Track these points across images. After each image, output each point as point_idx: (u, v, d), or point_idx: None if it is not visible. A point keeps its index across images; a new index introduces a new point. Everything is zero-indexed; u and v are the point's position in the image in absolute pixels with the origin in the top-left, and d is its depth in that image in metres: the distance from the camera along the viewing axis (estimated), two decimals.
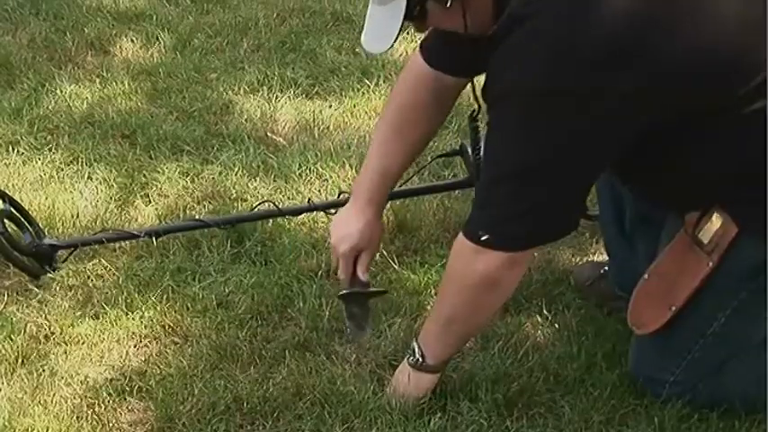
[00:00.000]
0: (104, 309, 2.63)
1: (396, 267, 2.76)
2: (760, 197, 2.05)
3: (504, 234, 2.07)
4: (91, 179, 3.21)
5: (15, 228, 2.81)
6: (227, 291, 2.69)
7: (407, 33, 3.97)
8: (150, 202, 3.12)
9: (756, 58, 1.99)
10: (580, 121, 1.95)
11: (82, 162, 3.29)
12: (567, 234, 2.18)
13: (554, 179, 2.02)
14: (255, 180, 3.20)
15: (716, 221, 2.11)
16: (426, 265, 2.77)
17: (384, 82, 3.70)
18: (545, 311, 2.58)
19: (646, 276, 2.25)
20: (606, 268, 2.63)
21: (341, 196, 2.93)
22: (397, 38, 2.04)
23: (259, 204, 2.97)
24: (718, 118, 2.02)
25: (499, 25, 2.02)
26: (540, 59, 1.95)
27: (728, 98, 2.00)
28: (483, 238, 2.07)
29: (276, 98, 3.68)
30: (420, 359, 2.26)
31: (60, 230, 2.97)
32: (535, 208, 2.05)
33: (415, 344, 2.28)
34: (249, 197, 3.11)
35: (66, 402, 2.35)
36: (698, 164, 2.08)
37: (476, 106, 2.36)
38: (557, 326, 2.54)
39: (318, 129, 3.48)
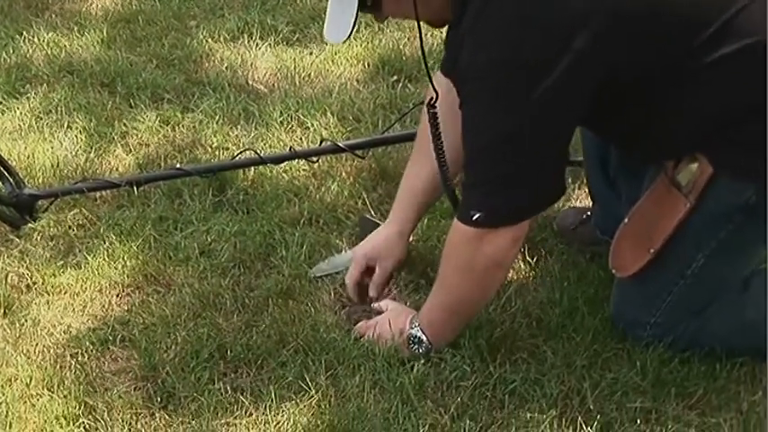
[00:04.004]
0: (86, 258, 2.63)
1: (377, 215, 2.76)
2: (735, 139, 2.09)
3: (496, 209, 2.09)
4: (70, 128, 3.18)
5: None
6: (209, 239, 2.68)
7: None
8: (131, 150, 3.10)
9: (712, 3, 2.02)
10: (544, 85, 1.97)
11: (61, 111, 3.27)
12: (557, 199, 2.19)
13: (531, 146, 2.04)
14: (236, 128, 3.18)
15: (693, 163, 2.13)
16: None
17: (365, 28, 3.67)
18: (528, 257, 2.58)
19: (626, 220, 2.27)
20: (589, 213, 2.64)
21: (322, 144, 2.92)
22: (353, 28, 2.10)
23: (241, 152, 2.95)
24: (682, 69, 2.05)
25: (452, 8, 2.08)
26: (495, 33, 2.00)
27: (686, 46, 2.02)
28: (475, 218, 2.08)
29: (257, 45, 3.65)
30: (429, 348, 2.27)
31: (40, 180, 2.95)
32: (520, 177, 2.07)
33: (421, 335, 2.26)
34: (230, 145, 3.09)
35: (49, 352, 2.35)
36: (671, 118, 2.11)
37: (433, 94, 2.31)
38: (539, 272, 2.55)
39: (299, 76, 3.46)
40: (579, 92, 2.03)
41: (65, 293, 2.53)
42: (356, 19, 2.10)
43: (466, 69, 2.07)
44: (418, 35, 2.19)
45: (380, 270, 2.48)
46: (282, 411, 2.17)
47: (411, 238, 2.55)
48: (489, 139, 2.06)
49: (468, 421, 2.12)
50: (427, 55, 2.15)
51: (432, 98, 2.29)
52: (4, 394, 2.22)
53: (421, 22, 2.16)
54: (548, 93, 1.97)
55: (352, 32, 2.12)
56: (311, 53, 3.60)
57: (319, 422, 2.13)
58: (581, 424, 2.12)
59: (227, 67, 3.52)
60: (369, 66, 3.49)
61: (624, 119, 2.16)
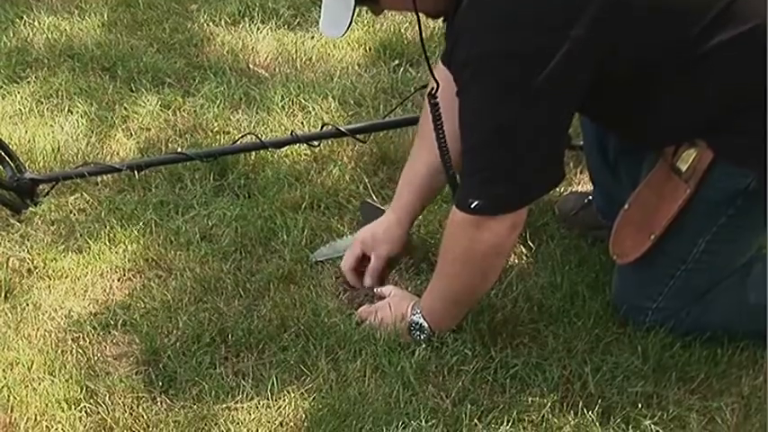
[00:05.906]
0: (87, 243, 2.62)
1: (379, 200, 2.75)
2: (736, 125, 2.09)
3: (494, 197, 2.08)
4: (71, 112, 3.18)
5: None
6: (210, 224, 2.68)
7: None
8: (131, 135, 3.09)
9: None
10: (541, 74, 1.96)
11: (62, 95, 3.26)
12: (556, 185, 2.18)
13: (529, 135, 2.04)
14: (238, 112, 3.17)
15: (693, 149, 2.12)
16: None
17: (367, 12, 3.63)
18: (529, 242, 2.58)
19: (626, 206, 2.27)
20: (590, 198, 2.64)
21: (323, 128, 2.92)
22: (351, 22, 2.10)
23: (242, 137, 2.95)
24: (683, 57, 2.04)
25: (448, 1, 2.07)
26: (491, 24, 2.00)
27: (687, 34, 2.01)
28: (474, 205, 2.08)
29: (258, 29, 3.63)
30: (430, 334, 2.27)
31: (41, 164, 2.95)
32: (518, 165, 2.06)
33: (423, 321, 2.27)
34: (231, 129, 3.09)
35: (51, 336, 2.35)
36: (672, 107, 2.10)
37: (433, 84, 2.31)
38: (540, 256, 2.55)
39: (300, 60, 3.45)
40: (576, 81, 2.02)
41: (66, 278, 2.53)
42: (354, 13, 2.09)
43: (462, 60, 2.06)
44: (418, 27, 2.18)
45: (375, 258, 2.48)
46: (284, 395, 2.17)
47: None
48: (487, 129, 2.06)
49: (469, 405, 2.13)
50: (428, 42, 2.15)
51: (432, 88, 2.29)
52: (5, 378, 2.22)
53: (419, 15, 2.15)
54: (544, 82, 1.96)
55: (349, 27, 2.11)
56: (312, 37, 3.58)
57: (320, 406, 2.14)
58: (582, 408, 2.13)
59: (228, 51, 3.51)
60: (370, 50, 3.48)
61: (625, 109, 2.15)
